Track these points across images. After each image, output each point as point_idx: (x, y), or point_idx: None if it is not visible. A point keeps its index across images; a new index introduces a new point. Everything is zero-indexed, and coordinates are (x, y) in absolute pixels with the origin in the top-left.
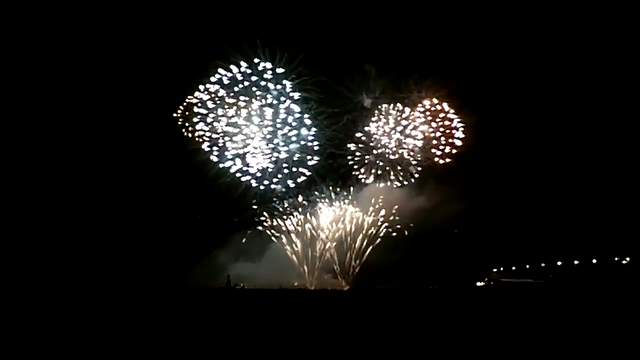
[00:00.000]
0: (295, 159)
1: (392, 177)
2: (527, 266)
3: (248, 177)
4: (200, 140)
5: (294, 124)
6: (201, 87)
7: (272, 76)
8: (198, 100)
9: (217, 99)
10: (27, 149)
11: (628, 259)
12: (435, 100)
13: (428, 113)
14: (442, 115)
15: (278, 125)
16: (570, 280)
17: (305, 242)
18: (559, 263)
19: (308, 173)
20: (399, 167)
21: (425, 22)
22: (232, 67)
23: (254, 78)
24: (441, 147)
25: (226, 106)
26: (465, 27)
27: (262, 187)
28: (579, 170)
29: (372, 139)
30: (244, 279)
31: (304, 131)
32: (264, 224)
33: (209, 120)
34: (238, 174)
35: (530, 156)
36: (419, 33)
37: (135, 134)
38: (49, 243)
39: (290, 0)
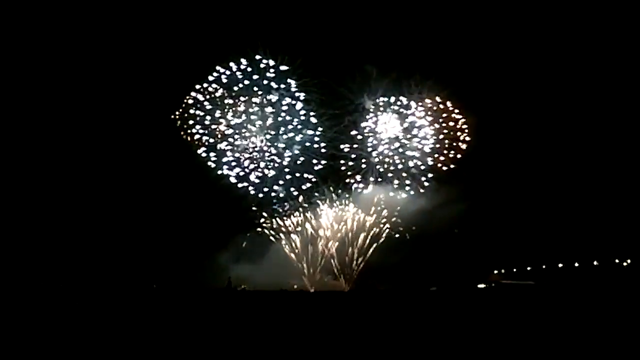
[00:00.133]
0: (298, 162)
1: (396, 185)
2: (528, 268)
3: (245, 184)
4: (198, 143)
5: (299, 127)
6: (197, 87)
7: (274, 74)
8: (194, 101)
9: (216, 99)
10: (26, 149)
11: (629, 260)
12: (438, 99)
13: (430, 113)
14: (445, 115)
15: (281, 128)
16: (571, 282)
17: (306, 243)
18: (560, 265)
19: (314, 179)
20: (404, 174)
21: (425, 23)
22: (232, 64)
23: (255, 77)
24: (445, 152)
25: (225, 108)
26: (466, 27)
27: (260, 195)
28: (580, 172)
29: (373, 138)
30: (245, 280)
31: (309, 132)
32: (264, 225)
33: (206, 122)
34: (235, 180)
35: (532, 158)
36: (420, 34)
37: (136, 134)
38: (48, 244)
39: (290, 1)
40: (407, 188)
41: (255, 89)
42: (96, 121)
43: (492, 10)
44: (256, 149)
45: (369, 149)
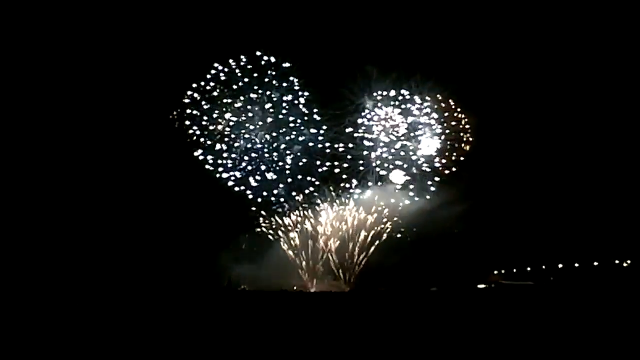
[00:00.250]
0: (300, 164)
1: (398, 188)
2: (528, 268)
3: (243, 187)
4: (195, 144)
5: (302, 128)
6: (194, 85)
7: (274, 73)
8: (190, 100)
9: (215, 97)
10: (25, 150)
11: (629, 261)
12: (439, 97)
13: (433, 112)
14: (447, 114)
15: (281, 128)
16: (571, 282)
17: (306, 243)
18: (560, 265)
19: (317, 182)
20: (407, 177)
21: (425, 24)
22: (231, 62)
23: (255, 75)
24: (447, 154)
25: (224, 108)
26: (466, 28)
27: (259, 200)
28: (581, 173)
29: (374, 139)
30: (245, 280)
31: (311, 131)
32: (264, 225)
33: (204, 122)
34: (233, 184)
35: (532, 158)
36: (420, 35)
37: (134, 132)
38: (47, 244)
39: (290, 2)
40: (411, 194)
41: (256, 87)
42: (94, 121)
43: (492, 10)
44: (255, 149)
45: (370, 151)
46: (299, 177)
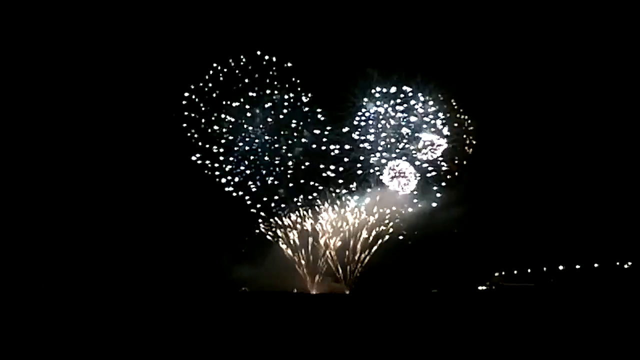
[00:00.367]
0: (302, 167)
1: (401, 190)
2: (529, 270)
3: (241, 193)
4: (194, 146)
5: (305, 132)
6: (193, 87)
7: (275, 73)
8: (188, 102)
9: (213, 98)
10: (24, 151)
11: (630, 263)
12: (441, 97)
13: (436, 114)
14: (448, 114)
15: (282, 130)
16: (572, 284)
17: (306, 245)
18: (561, 267)
19: (320, 187)
20: (412, 181)
21: (427, 26)
22: (230, 61)
23: (255, 75)
24: (449, 157)
25: (223, 109)
26: (466, 29)
27: (258, 206)
28: (581, 174)
29: (374, 141)
30: (246, 282)
31: (314, 132)
32: (264, 227)
33: (202, 125)
34: (232, 189)
35: (532, 160)
36: (422, 37)
37: (133, 133)
38: (47, 245)
39: (290, 3)
40: (415, 201)
41: (256, 88)
42: (93, 123)
43: (492, 11)
44: (254, 151)
45: (371, 153)
46: (301, 181)
